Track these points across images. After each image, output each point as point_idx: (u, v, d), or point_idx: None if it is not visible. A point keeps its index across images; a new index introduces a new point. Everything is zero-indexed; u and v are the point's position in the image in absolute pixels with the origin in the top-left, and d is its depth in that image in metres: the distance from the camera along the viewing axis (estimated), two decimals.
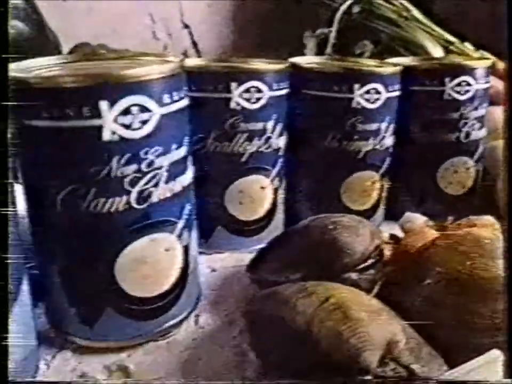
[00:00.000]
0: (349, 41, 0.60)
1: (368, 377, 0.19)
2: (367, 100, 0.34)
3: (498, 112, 0.43)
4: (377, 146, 0.36)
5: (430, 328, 0.23)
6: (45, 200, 0.23)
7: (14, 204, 0.22)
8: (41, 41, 0.54)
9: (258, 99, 0.32)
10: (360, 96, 0.34)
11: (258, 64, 0.34)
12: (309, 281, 0.24)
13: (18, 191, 0.23)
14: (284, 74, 0.33)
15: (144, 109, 0.22)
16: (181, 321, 0.27)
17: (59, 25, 0.57)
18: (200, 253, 0.30)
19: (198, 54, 0.76)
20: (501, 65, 0.44)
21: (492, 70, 0.39)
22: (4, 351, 0.19)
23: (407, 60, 0.42)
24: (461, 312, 0.23)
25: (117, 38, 0.67)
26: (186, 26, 0.75)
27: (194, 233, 0.28)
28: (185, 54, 0.75)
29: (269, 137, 0.33)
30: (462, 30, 0.58)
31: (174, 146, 0.24)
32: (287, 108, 0.34)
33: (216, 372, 0.24)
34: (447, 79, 0.37)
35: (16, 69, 0.23)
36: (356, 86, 0.34)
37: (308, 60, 0.38)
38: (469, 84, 0.37)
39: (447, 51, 0.56)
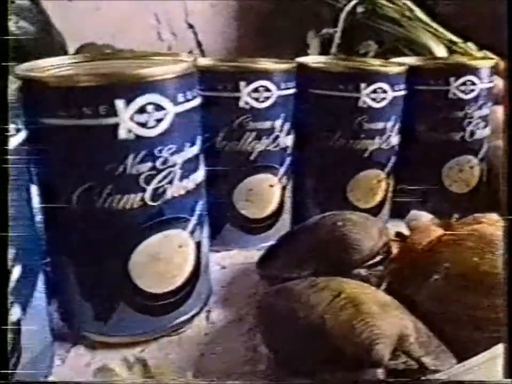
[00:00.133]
0: (353, 41, 0.61)
1: (380, 370, 0.20)
2: (374, 99, 0.35)
3: (501, 112, 0.43)
4: (383, 145, 0.36)
5: (437, 323, 0.23)
6: (61, 197, 0.23)
7: (29, 202, 0.22)
8: (47, 41, 0.54)
9: (266, 98, 0.32)
10: (366, 96, 0.34)
11: (267, 64, 0.34)
12: (319, 277, 0.24)
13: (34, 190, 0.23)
14: (292, 74, 0.34)
15: (159, 108, 0.23)
16: (192, 317, 0.27)
17: (65, 26, 0.58)
18: (209, 250, 0.30)
19: (202, 53, 0.77)
20: (504, 65, 0.45)
21: (495, 70, 0.40)
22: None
23: (412, 60, 0.42)
24: (467, 307, 0.23)
25: (122, 38, 0.68)
26: (190, 26, 0.76)
27: (206, 230, 0.28)
28: (190, 54, 0.75)
29: (277, 136, 0.34)
30: (465, 30, 0.58)
31: (187, 144, 0.24)
32: (295, 107, 0.35)
33: (228, 367, 0.24)
34: (452, 79, 0.37)
35: (29, 68, 0.24)
36: (363, 85, 0.34)
37: (314, 60, 0.39)
38: (473, 83, 0.38)
39: (450, 51, 0.57)
